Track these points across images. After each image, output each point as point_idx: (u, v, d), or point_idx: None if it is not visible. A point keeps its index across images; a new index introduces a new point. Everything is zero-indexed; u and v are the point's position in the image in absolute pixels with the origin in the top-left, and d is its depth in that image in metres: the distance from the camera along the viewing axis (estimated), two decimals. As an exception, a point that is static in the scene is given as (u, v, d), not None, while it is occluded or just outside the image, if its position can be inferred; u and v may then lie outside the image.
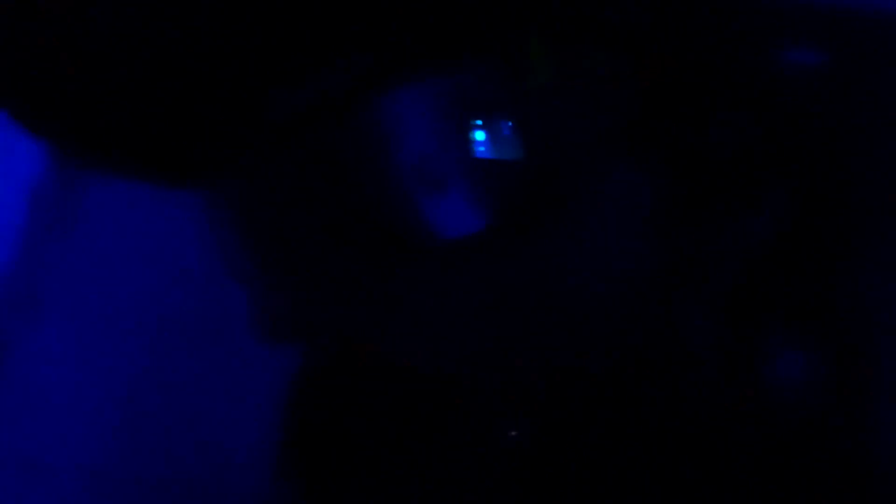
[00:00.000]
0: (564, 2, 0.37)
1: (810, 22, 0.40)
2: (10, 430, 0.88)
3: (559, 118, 0.38)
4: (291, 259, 0.40)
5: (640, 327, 0.38)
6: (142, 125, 0.41)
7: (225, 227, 0.42)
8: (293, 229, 0.40)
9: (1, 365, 0.89)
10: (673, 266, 0.38)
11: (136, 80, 0.39)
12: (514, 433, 0.38)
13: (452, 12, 0.37)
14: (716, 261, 0.38)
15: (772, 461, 0.38)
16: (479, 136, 0.39)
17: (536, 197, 0.37)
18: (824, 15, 0.39)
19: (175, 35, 0.38)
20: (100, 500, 0.88)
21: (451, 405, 0.39)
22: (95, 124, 0.41)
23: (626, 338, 0.38)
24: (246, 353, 0.88)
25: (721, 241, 0.38)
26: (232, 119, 0.40)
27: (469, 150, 0.38)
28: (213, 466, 0.87)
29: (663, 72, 0.38)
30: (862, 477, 0.39)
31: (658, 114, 0.38)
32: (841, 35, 0.40)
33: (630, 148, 0.38)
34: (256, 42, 0.38)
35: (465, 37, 0.37)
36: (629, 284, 0.38)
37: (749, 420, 0.38)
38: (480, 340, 0.38)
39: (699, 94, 0.39)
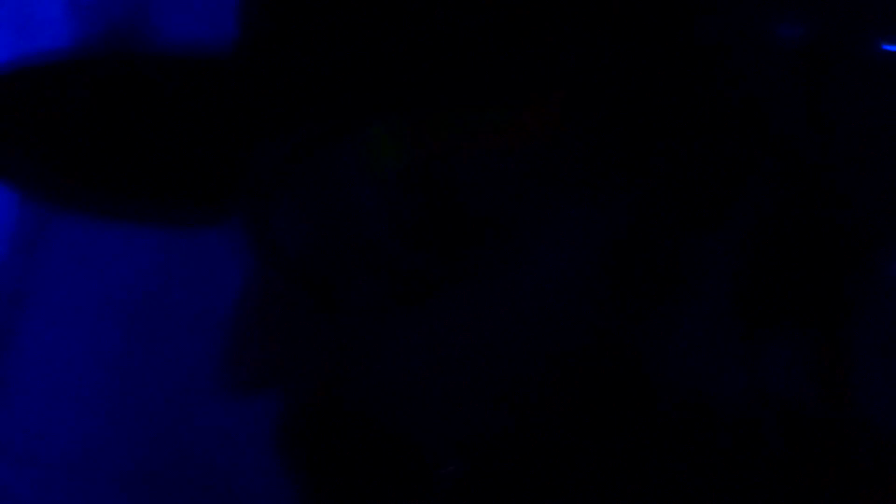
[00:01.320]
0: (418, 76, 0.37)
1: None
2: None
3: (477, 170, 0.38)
4: (259, 311, 0.41)
5: (602, 355, 0.39)
6: (131, 179, 0.42)
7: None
8: (262, 282, 0.41)
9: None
10: (642, 289, 0.39)
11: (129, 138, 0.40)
12: (446, 469, 0.39)
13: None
14: (697, 274, 0.39)
15: (767, 467, 0.40)
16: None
17: (471, 247, 0.38)
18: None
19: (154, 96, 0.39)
20: (88, 494, 0.88)
21: (402, 449, 0.40)
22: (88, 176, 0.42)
23: (586, 368, 0.39)
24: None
25: (700, 253, 0.39)
26: (207, 180, 0.42)
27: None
28: (199, 462, 0.88)
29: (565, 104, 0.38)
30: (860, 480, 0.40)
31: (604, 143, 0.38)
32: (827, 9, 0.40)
33: (574, 184, 0.38)
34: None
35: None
36: (583, 319, 0.38)
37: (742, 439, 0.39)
38: (438, 387, 0.39)
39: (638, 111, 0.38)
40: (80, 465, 0.89)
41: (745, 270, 0.39)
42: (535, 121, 0.37)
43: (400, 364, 0.39)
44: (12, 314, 0.91)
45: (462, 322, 0.38)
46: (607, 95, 0.38)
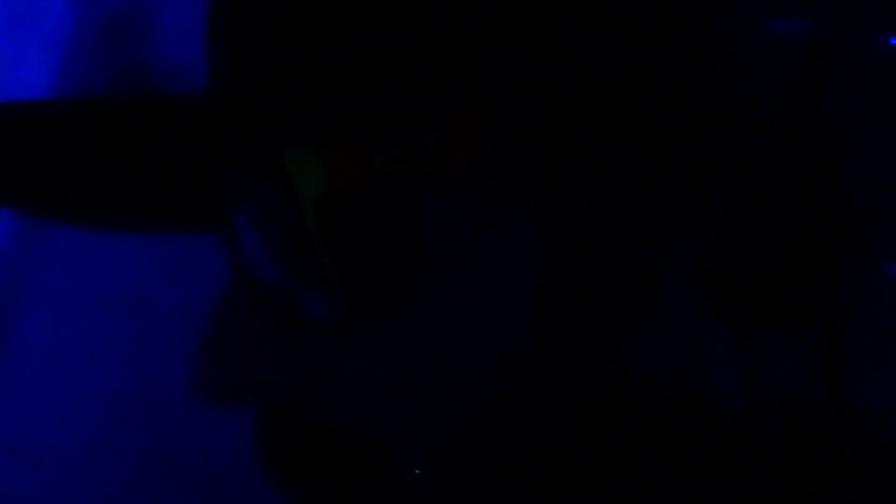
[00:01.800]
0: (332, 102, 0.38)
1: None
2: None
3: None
4: (230, 325, 0.41)
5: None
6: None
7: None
8: (233, 297, 0.42)
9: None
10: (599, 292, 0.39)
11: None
12: (417, 471, 0.39)
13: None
14: (681, 276, 0.39)
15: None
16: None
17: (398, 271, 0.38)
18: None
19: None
20: (88, 492, 0.89)
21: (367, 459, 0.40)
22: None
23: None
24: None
25: (668, 251, 0.38)
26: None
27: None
28: (200, 453, 0.89)
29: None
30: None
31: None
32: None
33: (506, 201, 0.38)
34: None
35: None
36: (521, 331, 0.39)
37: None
38: (404, 398, 0.39)
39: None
40: (80, 464, 0.90)
41: (739, 269, 0.38)
42: (468, 138, 0.38)
43: (364, 376, 0.39)
44: (9, 312, 0.92)
45: (422, 336, 0.39)
46: (572, 102, 0.37)
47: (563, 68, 0.37)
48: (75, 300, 0.92)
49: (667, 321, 0.39)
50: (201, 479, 0.90)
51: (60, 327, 0.92)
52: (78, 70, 0.92)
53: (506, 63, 0.37)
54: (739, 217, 0.39)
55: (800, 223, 0.39)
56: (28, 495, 0.90)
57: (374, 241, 0.39)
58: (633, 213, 0.38)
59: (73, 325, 0.92)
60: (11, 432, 0.90)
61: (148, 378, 0.91)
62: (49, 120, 0.41)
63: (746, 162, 0.39)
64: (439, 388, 0.39)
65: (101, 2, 0.94)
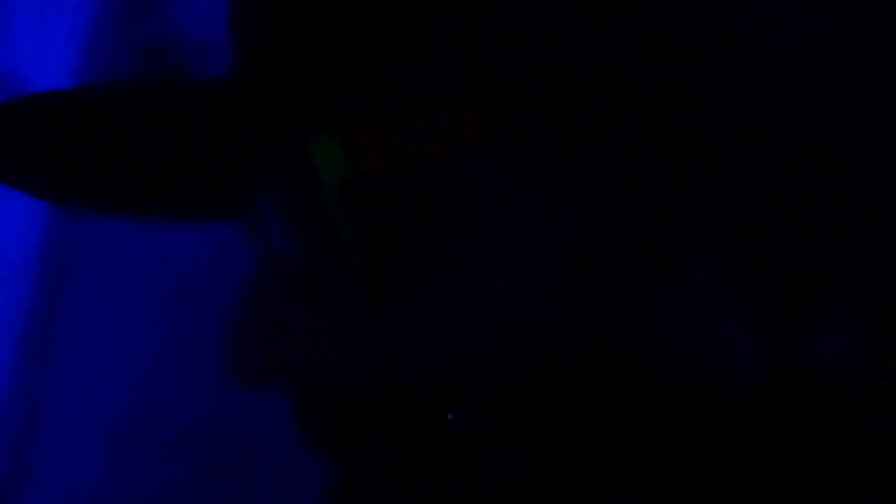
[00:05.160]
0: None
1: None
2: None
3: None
4: (253, 303, 0.42)
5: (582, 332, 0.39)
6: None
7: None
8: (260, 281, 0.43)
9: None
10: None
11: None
12: (450, 416, 0.40)
13: None
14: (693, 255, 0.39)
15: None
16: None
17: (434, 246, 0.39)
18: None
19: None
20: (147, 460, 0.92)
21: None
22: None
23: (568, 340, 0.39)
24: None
25: (687, 229, 0.38)
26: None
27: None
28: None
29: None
30: None
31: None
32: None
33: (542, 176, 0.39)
34: None
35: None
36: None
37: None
38: (428, 374, 0.40)
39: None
40: (139, 438, 0.93)
41: (759, 245, 0.38)
42: (484, 120, 0.38)
43: (393, 352, 0.40)
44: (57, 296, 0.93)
45: (446, 313, 0.39)
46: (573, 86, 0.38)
47: (576, 51, 0.38)
48: (119, 284, 0.94)
49: (687, 299, 0.39)
50: (240, 452, 0.92)
51: (106, 312, 0.94)
52: (102, 55, 0.93)
53: (519, 47, 0.38)
54: (758, 192, 0.39)
55: (821, 198, 0.39)
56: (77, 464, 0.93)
57: (396, 223, 0.39)
58: (650, 192, 0.38)
59: (118, 309, 0.93)
60: (64, 408, 0.92)
61: (189, 356, 0.92)
62: (71, 110, 0.42)
63: (764, 136, 0.38)
64: (463, 362, 0.39)
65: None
